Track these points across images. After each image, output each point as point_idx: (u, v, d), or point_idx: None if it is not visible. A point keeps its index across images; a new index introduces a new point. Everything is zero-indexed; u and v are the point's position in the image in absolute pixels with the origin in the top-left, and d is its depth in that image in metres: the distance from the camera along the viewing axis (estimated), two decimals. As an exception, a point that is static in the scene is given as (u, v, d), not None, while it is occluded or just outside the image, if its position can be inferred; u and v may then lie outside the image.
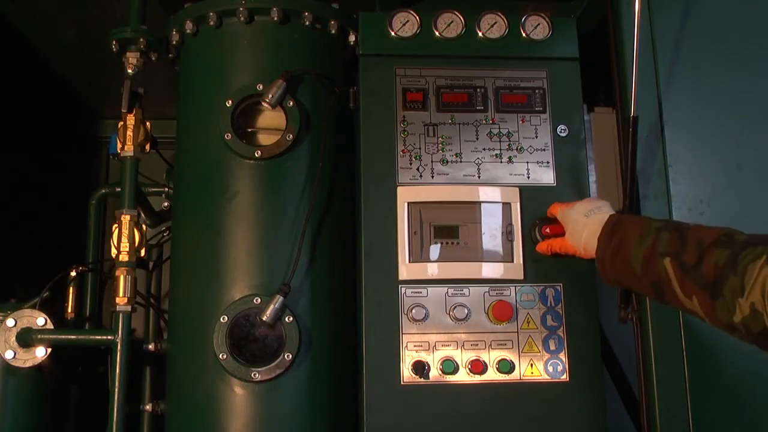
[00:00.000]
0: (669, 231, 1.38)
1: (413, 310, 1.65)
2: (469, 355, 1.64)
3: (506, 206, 1.71)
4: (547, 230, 1.65)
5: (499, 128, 1.77)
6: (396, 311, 1.65)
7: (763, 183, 1.70)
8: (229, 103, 1.72)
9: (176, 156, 1.87)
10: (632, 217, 1.56)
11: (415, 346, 1.64)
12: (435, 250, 1.68)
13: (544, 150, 1.76)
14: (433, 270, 1.67)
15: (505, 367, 1.63)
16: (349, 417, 1.69)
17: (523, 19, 1.80)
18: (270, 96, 1.69)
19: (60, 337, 1.75)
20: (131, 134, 1.80)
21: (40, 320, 1.74)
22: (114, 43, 1.82)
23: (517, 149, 1.76)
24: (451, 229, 1.70)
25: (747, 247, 1.23)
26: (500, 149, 1.76)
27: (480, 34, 1.79)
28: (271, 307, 1.59)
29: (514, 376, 1.64)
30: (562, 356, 1.65)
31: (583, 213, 1.56)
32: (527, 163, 1.75)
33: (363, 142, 1.74)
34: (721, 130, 1.72)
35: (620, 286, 1.56)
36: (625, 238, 1.44)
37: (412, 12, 1.79)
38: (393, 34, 1.78)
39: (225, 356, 1.60)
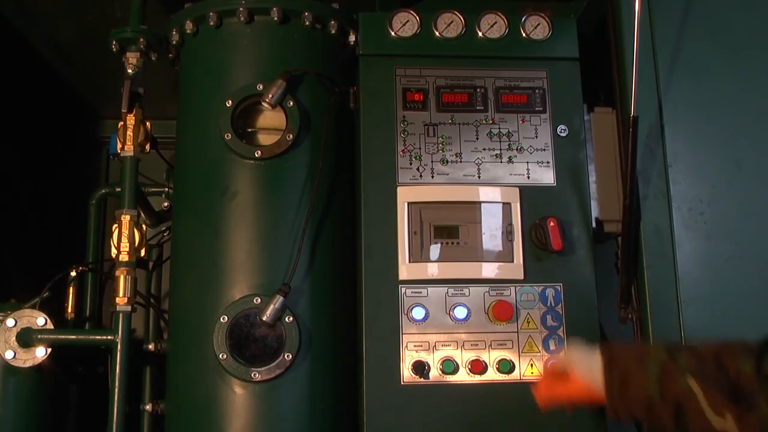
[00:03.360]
0: (680, 351, 1.30)
1: (413, 310, 1.65)
2: (469, 355, 1.64)
3: (506, 206, 1.71)
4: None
5: (499, 128, 1.77)
6: (396, 311, 1.65)
7: (763, 183, 1.71)
8: (229, 103, 1.72)
9: (176, 156, 1.87)
10: (623, 346, 1.45)
11: (415, 346, 1.64)
12: (435, 250, 1.68)
13: (544, 150, 1.76)
14: (433, 270, 1.67)
15: (505, 367, 1.63)
16: (349, 417, 1.69)
17: (523, 19, 1.80)
18: (270, 96, 1.69)
19: (60, 337, 1.75)
20: (131, 134, 1.80)
21: (40, 320, 1.74)
22: (114, 43, 1.82)
23: (517, 149, 1.76)
24: (451, 229, 1.70)
25: (764, 354, 1.20)
26: (500, 149, 1.76)
27: (480, 34, 1.79)
28: (271, 307, 1.59)
29: (514, 376, 1.64)
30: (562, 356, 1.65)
31: (585, 353, 1.44)
32: (527, 163, 1.75)
33: (363, 142, 1.74)
34: (721, 130, 1.72)
35: (631, 419, 1.40)
36: (630, 364, 1.34)
37: (412, 12, 1.79)
38: (393, 34, 1.78)
39: (225, 356, 1.60)
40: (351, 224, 1.78)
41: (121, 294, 1.71)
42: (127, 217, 1.75)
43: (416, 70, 1.78)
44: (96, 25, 2.10)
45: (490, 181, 1.73)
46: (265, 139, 1.75)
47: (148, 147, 1.87)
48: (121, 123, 1.81)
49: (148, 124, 1.85)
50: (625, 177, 1.65)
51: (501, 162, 1.75)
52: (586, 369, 1.39)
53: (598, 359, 1.37)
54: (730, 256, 1.66)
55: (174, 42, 1.86)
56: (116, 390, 1.66)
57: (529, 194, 1.72)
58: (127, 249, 1.73)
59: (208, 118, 1.74)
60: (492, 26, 1.80)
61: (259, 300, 1.62)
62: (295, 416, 1.64)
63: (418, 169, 1.73)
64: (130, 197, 1.77)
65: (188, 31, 1.81)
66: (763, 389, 1.18)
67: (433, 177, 1.73)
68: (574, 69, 1.81)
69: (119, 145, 1.82)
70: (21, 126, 2.46)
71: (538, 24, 1.81)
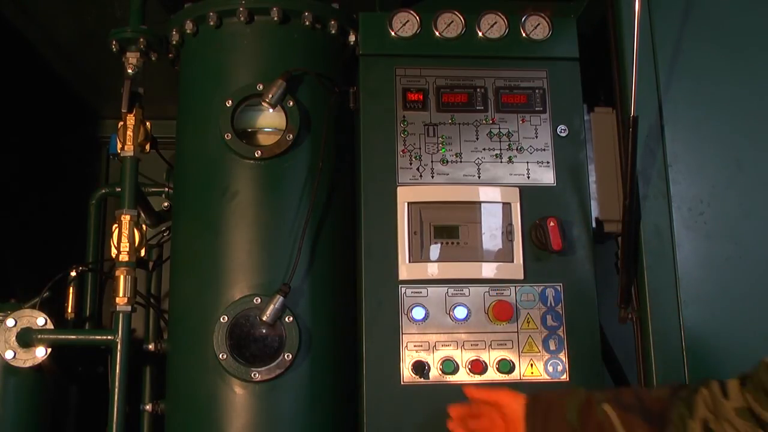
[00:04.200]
0: (600, 390, 1.39)
1: (413, 310, 1.65)
2: (469, 355, 1.64)
3: (506, 206, 1.71)
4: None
5: (499, 128, 1.77)
6: (396, 311, 1.65)
7: (763, 183, 1.70)
8: (229, 103, 1.72)
9: (176, 156, 1.87)
10: (545, 391, 1.52)
11: (415, 346, 1.64)
12: (435, 250, 1.68)
13: (544, 150, 1.76)
14: (433, 270, 1.67)
15: (505, 367, 1.63)
16: (349, 417, 1.69)
17: (523, 19, 1.80)
18: (270, 96, 1.69)
19: (60, 337, 1.74)
20: (131, 134, 1.80)
21: (40, 320, 1.74)
22: (114, 43, 1.82)
23: (517, 149, 1.76)
24: (451, 229, 1.70)
25: (682, 387, 1.29)
26: (500, 149, 1.76)
27: (480, 34, 1.79)
28: (271, 307, 1.60)
29: (514, 376, 1.64)
30: (562, 356, 1.65)
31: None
32: (527, 163, 1.75)
33: (363, 142, 1.74)
34: (721, 130, 1.72)
35: None
36: (553, 399, 1.41)
37: (412, 12, 1.79)
38: (393, 34, 1.78)
39: (225, 356, 1.60)
40: (351, 224, 1.78)
41: (121, 294, 1.70)
42: (127, 217, 1.75)
43: (416, 70, 1.78)
44: (96, 25, 2.10)
45: (490, 181, 1.73)
46: (265, 139, 1.75)
47: (148, 147, 1.87)
48: (121, 123, 1.81)
49: (148, 124, 1.85)
50: (625, 177, 1.65)
51: (501, 162, 1.75)
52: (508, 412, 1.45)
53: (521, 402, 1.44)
54: (730, 256, 1.66)
55: (174, 42, 1.86)
56: (116, 390, 1.66)
57: (529, 194, 1.72)
58: (127, 249, 1.73)
59: (208, 118, 1.74)
60: (492, 26, 1.80)
61: (259, 300, 1.62)
62: (295, 416, 1.64)
63: (418, 169, 1.73)
64: (130, 197, 1.77)
65: (188, 31, 1.81)
66: (675, 406, 1.25)
67: (433, 177, 1.73)
68: (574, 69, 1.81)
69: (119, 145, 1.82)
70: (21, 126, 2.46)
71: (538, 24, 1.81)
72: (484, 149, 1.75)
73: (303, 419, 1.64)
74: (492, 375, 1.63)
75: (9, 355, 1.71)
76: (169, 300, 1.81)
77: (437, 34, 1.79)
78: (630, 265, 1.66)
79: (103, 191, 2.24)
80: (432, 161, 1.73)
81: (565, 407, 1.38)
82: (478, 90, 1.78)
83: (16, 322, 1.73)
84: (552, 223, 1.66)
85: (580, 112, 1.79)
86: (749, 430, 1.16)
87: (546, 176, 1.74)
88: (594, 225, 1.74)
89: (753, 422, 1.16)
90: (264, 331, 1.62)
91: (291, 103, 1.72)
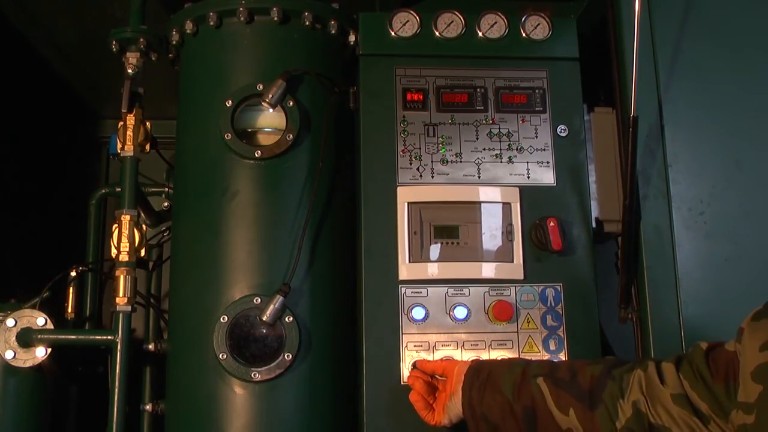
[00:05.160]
0: (540, 361, 1.41)
1: (413, 310, 1.65)
2: (469, 355, 1.64)
3: (506, 206, 1.71)
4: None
5: (499, 128, 1.77)
6: (396, 311, 1.65)
7: (763, 183, 1.71)
8: (229, 103, 1.71)
9: (176, 156, 1.87)
10: (492, 360, 1.58)
11: (415, 346, 1.64)
12: (435, 250, 1.68)
13: (544, 150, 1.76)
14: (433, 270, 1.67)
15: (505, 367, 1.63)
16: (349, 417, 1.69)
17: (523, 19, 1.80)
18: (270, 96, 1.69)
19: (60, 337, 1.74)
20: (131, 134, 1.80)
21: (40, 320, 1.74)
22: (114, 43, 1.82)
23: (517, 149, 1.76)
24: (451, 229, 1.70)
25: (618, 365, 1.29)
26: (500, 149, 1.76)
27: (480, 34, 1.79)
28: (271, 307, 1.59)
29: (514, 376, 1.64)
30: (562, 356, 1.65)
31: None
32: (527, 163, 1.75)
33: (363, 142, 1.74)
34: (721, 130, 1.72)
35: (487, 425, 1.42)
36: (493, 371, 1.43)
37: (412, 12, 1.79)
38: (393, 34, 1.78)
39: (225, 356, 1.60)
40: (351, 224, 1.78)
41: (121, 294, 1.70)
42: (127, 217, 1.75)
43: (416, 70, 1.78)
44: (96, 25, 2.10)
45: (490, 181, 1.73)
46: (265, 139, 1.75)
47: (148, 147, 1.87)
48: (121, 123, 1.81)
49: (148, 124, 1.85)
50: (625, 177, 1.65)
51: (501, 162, 1.75)
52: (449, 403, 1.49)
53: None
54: (730, 256, 1.66)
55: (174, 42, 1.86)
56: (116, 390, 1.66)
57: (529, 194, 1.72)
58: (127, 249, 1.73)
59: (208, 118, 1.74)
60: (492, 26, 1.80)
61: (259, 300, 1.62)
62: (294, 416, 1.64)
63: (418, 169, 1.73)
64: (130, 197, 1.77)
65: (188, 31, 1.81)
66: (606, 385, 1.26)
67: (433, 177, 1.73)
68: (574, 69, 1.81)
69: (119, 145, 1.82)
70: (21, 126, 2.46)
71: (538, 24, 1.81)
72: (484, 149, 1.75)
73: (303, 419, 1.64)
74: (492, 375, 1.63)
75: (9, 355, 1.71)
76: (169, 300, 1.81)
77: (437, 34, 1.79)
78: (630, 265, 1.66)
79: (103, 191, 2.24)
80: (432, 161, 1.73)
81: (502, 380, 1.39)
82: (478, 90, 1.78)
83: (16, 322, 1.73)
84: (552, 223, 1.66)
85: (580, 112, 1.79)
86: (684, 418, 1.16)
87: (546, 176, 1.74)
88: (594, 225, 1.74)
89: (689, 410, 1.16)
90: (264, 331, 1.62)
91: (291, 103, 1.72)
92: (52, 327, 1.75)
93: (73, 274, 2.02)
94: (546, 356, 1.65)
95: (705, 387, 1.14)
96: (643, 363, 1.25)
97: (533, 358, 1.64)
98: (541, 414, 1.32)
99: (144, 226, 2.07)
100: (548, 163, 1.75)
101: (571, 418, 1.28)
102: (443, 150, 1.74)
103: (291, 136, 1.71)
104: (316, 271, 1.69)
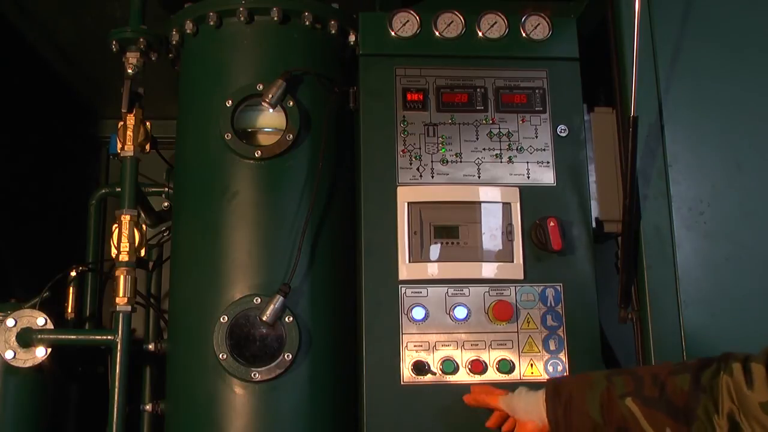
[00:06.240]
0: (620, 375, 1.35)
1: (413, 310, 1.65)
2: (469, 355, 1.64)
3: (506, 206, 1.71)
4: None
5: (499, 128, 1.77)
6: (396, 311, 1.65)
7: (763, 183, 1.71)
8: (229, 103, 1.72)
9: (176, 156, 1.87)
10: (570, 376, 1.55)
11: (415, 346, 1.64)
12: (435, 250, 1.68)
13: (544, 150, 1.76)
14: (433, 270, 1.67)
15: (505, 367, 1.63)
16: (349, 417, 1.69)
17: (523, 19, 1.80)
18: (270, 96, 1.69)
19: (60, 337, 1.74)
20: (131, 134, 1.80)
21: (40, 320, 1.74)
22: (114, 43, 1.82)
23: (517, 149, 1.76)
24: (451, 229, 1.70)
25: (702, 369, 1.23)
26: (500, 149, 1.76)
27: (480, 34, 1.79)
28: (271, 307, 1.59)
29: (514, 376, 1.64)
30: (562, 356, 1.65)
31: (528, 390, 1.48)
32: (527, 163, 1.75)
33: (363, 142, 1.74)
34: (721, 130, 1.73)
35: None
36: (575, 391, 1.38)
37: (412, 12, 1.79)
38: (393, 34, 1.78)
39: (225, 356, 1.60)
40: (351, 224, 1.78)
41: (121, 294, 1.71)
42: (127, 217, 1.75)
43: (416, 70, 1.78)
44: (96, 25, 2.10)
45: (490, 181, 1.73)
46: (265, 139, 1.75)
47: (148, 147, 1.87)
48: (121, 123, 1.81)
49: (148, 124, 1.85)
50: (625, 177, 1.65)
51: (501, 162, 1.75)
52: (528, 408, 1.44)
53: (542, 393, 1.42)
54: (730, 256, 1.66)
55: (174, 42, 1.86)
56: (116, 390, 1.66)
57: (529, 194, 1.72)
58: (127, 249, 1.73)
59: (208, 118, 1.74)
60: (492, 26, 1.80)
61: (259, 300, 1.62)
62: (294, 416, 1.64)
63: (418, 169, 1.73)
64: (130, 197, 1.77)
65: (188, 31, 1.81)
66: (700, 400, 1.21)
67: (433, 177, 1.73)
68: (574, 69, 1.81)
69: (119, 145, 1.82)
70: (21, 126, 2.46)
71: (538, 24, 1.81)
72: (484, 149, 1.75)
73: (303, 419, 1.64)
74: (492, 375, 1.63)
75: (9, 355, 1.71)
76: (169, 300, 1.81)
77: (437, 34, 1.79)
78: (630, 265, 1.66)
79: (103, 191, 2.24)
80: (432, 161, 1.73)
81: (586, 402, 1.34)
82: (478, 90, 1.78)
83: (16, 322, 1.73)
84: (552, 223, 1.66)
85: (580, 112, 1.79)
86: None
87: (546, 176, 1.75)
88: (594, 225, 1.74)
89: None
90: (264, 331, 1.62)
91: (291, 103, 1.72)
92: (52, 327, 1.75)
93: (73, 274, 2.02)
94: (546, 356, 1.65)
95: None
96: (728, 365, 1.20)
97: (533, 358, 1.64)
98: None
99: (144, 226, 2.06)
100: (548, 163, 1.75)
101: None
102: (443, 150, 1.74)
103: (291, 136, 1.71)
104: (316, 271, 1.69)
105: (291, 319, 1.63)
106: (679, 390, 1.24)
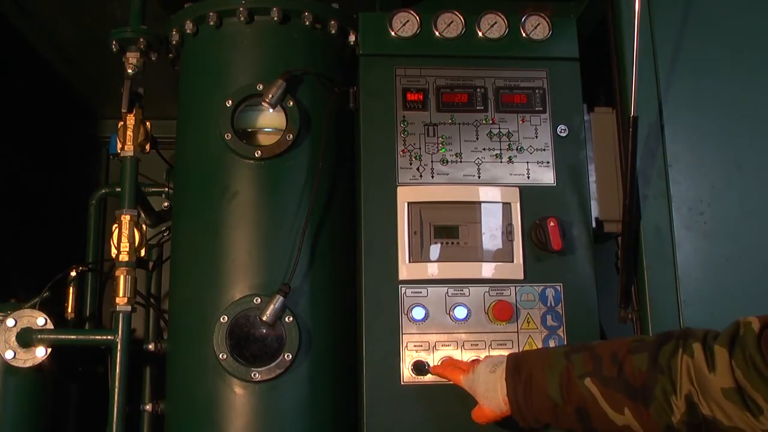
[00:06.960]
0: (579, 352, 1.35)
1: (413, 310, 1.65)
2: (469, 355, 1.64)
3: (506, 206, 1.71)
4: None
5: (499, 128, 1.77)
6: (396, 311, 1.65)
7: (763, 183, 1.71)
8: (229, 103, 1.72)
9: (176, 156, 1.87)
10: (531, 351, 1.54)
11: (415, 346, 1.64)
12: (435, 250, 1.68)
13: (544, 150, 1.76)
14: (433, 270, 1.67)
15: (505, 367, 1.63)
16: (349, 417, 1.69)
17: (523, 19, 1.80)
18: (270, 96, 1.69)
19: (60, 337, 1.74)
20: (131, 134, 1.80)
21: (40, 320, 1.74)
22: (114, 43, 1.82)
23: (517, 149, 1.76)
24: (451, 229, 1.70)
25: (661, 347, 1.23)
26: (500, 149, 1.76)
27: (480, 34, 1.79)
28: (271, 307, 1.59)
29: (514, 376, 1.64)
30: (562, 356, 1.65)
31: (488, 370, 1.46)
32: (527, 163, 1.75)
33: (363, 142, 1.74)
34: (721, 130, 1.72)
35: (539, 425, 1.40)
36: (534, 370, 1.38)
37: (412, 12, 1.79)
38: (393, 34, 1.78)
39: (225, 356, 1.60)
40: (351, 224, 1.78)
41: (121, 294, 1.71)
42: (127, 217, 1.75)
43: (416, 70, 1.78)
44: (96, 25, 2.11)
45: (490, 181, 1.73)
46: (265, 139, 1.75)
47: (148, 147, 1.87)
48: (121, 123, 1.81)
49: (148, 124, 1.85)
50: (625, 177, 1.65)
51: (501, 162, 1.75)
52: (488, 394, 1.44)
53: (501, 372, 1.43)
54: (730, 256, 1.66)
55: (174, 42, 1.86)
56: (116, 390, 1.66)
57: (529, 194, 1.72)
58: (127, 249, 1.73)
59: (208, 118, 1.74)
60: (492, 26, 1.80)
61: (259, 300, 1.62)
62: (295, 416, 1.64)
63: (418, 169, 1.73)
64: (130, 197, 1.77)
65: (188, 31, 1.81)
66: (657, 380, 1.21)
67: (433, 177, 1.73)
68: (574, 69, 1.80)
69: (119, 145, 1.82)
70: (21, 126, 2.46)
71: (538, 24, 1.81)
72: (484, 149, 1.75)
73: (303, 419, 1.64)
74: (492, 375, 1.63)
75: (9, 355, 1.71)
76: (169, 300, 1.81)
77: (437, 34, 1.79)
78: (630, 265, 1.66)
79: (103, 191, 2.24)
80: (432, 161, 1.73)
81: (546, 381, 1.35)
82: (478, 90, 1.78)
83: (16, 322, 1.73)
84: (552, 223, 1.66)
85: (580, 112, 1.79)
86: (737, 413, 1.11)
87: (546, 176, 1.75)
88: (594, 225, 1.74)
89: (741, 405, 1.10)
90: (264, 331, 1.62)
91: (291, 103, 1.72)
92: (52, 327, 1.75)
93: (73, 274, 2.03)
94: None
95: (759, 377, 1.08)
96: (688, 343, 1.19)
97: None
98: (595, 413, 1.29)
99: (144, 226, 2.06)
100: (548, 163, 1.75)
101: (627, 417, 1.25)
102: (443, 150, 1.74)
103: (291, 136, 1.71)
104: (316, 271, 1.69)
105: (291, 319, 1.63)
106: (636, 370, 1.25)
